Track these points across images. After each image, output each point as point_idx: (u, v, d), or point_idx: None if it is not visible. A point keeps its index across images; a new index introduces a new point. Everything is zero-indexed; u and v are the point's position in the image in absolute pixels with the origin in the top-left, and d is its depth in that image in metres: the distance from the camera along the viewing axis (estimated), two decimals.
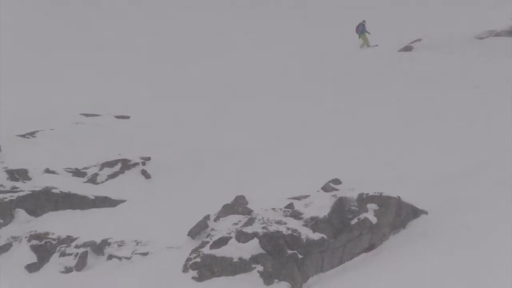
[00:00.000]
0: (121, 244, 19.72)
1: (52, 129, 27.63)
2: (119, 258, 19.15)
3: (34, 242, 20.57)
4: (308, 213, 18.17)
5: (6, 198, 22.09)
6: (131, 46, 48.77)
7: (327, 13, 56.84)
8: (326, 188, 20.19)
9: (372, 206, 18.35)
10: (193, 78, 39.74)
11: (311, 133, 28.34)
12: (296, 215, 18.17)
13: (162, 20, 56.08)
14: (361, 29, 39.50)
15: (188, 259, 17.66)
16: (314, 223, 17.78)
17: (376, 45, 39.89)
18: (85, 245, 19.92)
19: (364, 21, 39.73)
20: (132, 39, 50.83)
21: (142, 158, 25.60)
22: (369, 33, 39.64)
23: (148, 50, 47.61)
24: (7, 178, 23.13)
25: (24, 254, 20.32)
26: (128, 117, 31.17)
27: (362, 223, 17.96)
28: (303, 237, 17.34)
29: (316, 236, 17.44)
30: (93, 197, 23.23)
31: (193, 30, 53.41)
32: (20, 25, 52.44)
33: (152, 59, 45.17)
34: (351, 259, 17.82)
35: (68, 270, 19.47)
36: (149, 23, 55.18)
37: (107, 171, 24.78)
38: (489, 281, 14.77)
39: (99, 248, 19.79)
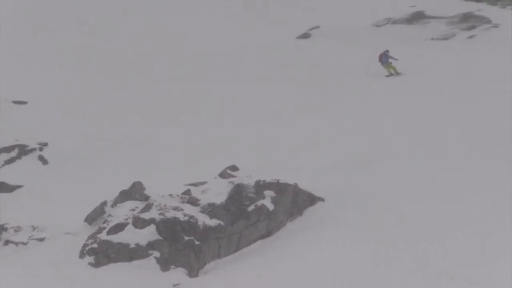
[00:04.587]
0: (17, 229, 19.48)
1: None
2: (16, 244, 18.91)
3: None
4: (205, 200, 18.30)
5: None
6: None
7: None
8: (223, 175, 20.23)
9: (269, 193, 18.57)
10: (94, 65, 39.29)
11: (210, 120, 28.47)
12: (193, 202, 18.26)
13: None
14: (384, 60, 38.25)
15: (85, 245, 17.55)
16: (211, 210, 17.92)
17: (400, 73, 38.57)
18: None
19: (387, 50, 38.56)
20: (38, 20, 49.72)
21: (39, 144, 25.30)
22: (396, 59, 38.08)
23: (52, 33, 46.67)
24: None
25: None
26: (25, 103, 30.67)
27: (259, 210, 18.17)
28: (200, 223, 17.44)
29: (213, 222, 17.58)
30: None
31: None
32: None
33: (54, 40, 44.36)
34: (248, 245, 18.00)
35: None
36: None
37: (4, 156, 24.43)
38: (382, 269, 15.18)
39: None
